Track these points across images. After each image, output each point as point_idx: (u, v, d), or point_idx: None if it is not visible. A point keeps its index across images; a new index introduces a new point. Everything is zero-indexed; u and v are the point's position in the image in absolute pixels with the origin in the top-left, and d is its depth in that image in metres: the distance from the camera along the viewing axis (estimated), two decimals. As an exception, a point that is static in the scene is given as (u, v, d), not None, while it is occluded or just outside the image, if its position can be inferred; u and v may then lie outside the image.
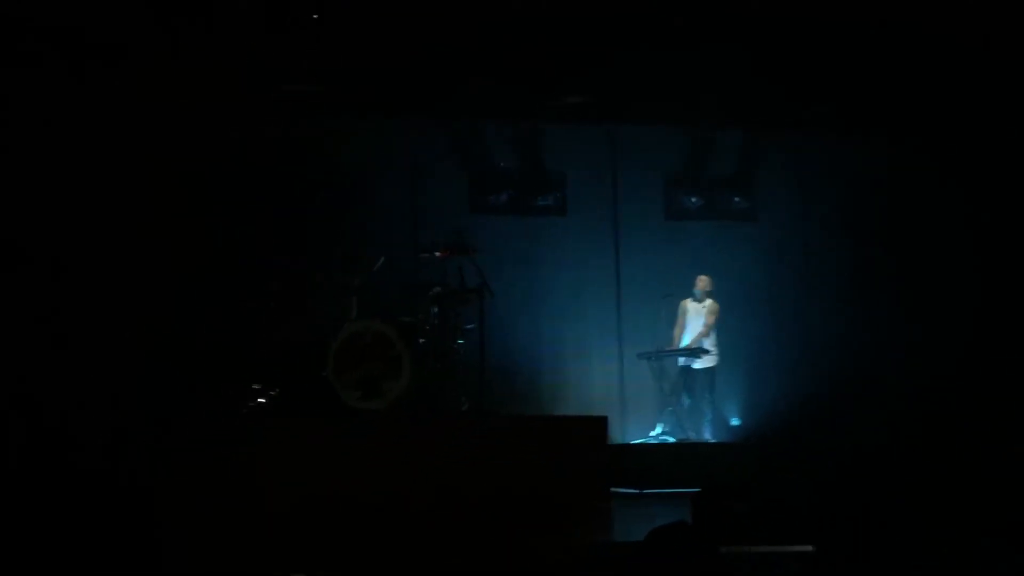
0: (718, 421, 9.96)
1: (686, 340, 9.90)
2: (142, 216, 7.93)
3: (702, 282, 9.90)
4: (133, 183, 7.97)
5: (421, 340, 7.59)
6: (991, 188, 10.54)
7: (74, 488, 5.68)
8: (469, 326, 8.03)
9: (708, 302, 9.90)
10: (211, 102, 8.47)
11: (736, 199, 10.65)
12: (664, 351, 9.88)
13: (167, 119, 8.17)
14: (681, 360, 9.87)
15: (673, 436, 9.59)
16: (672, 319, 10.02)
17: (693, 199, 10.60)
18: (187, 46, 8.06)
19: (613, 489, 7.00)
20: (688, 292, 9.99)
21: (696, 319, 9.92)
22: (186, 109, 8.27)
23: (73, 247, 7.47)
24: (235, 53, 8.34)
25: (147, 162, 8.08)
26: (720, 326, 9.96)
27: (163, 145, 8.27)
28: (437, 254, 8.12)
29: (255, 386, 7.20)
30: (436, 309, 7.87)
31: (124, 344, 7.54)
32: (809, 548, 4.21)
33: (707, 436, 9.71)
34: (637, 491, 8.24)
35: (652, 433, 9.67)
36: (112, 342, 7.55)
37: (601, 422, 6.69)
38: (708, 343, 9.82)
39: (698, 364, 9.80)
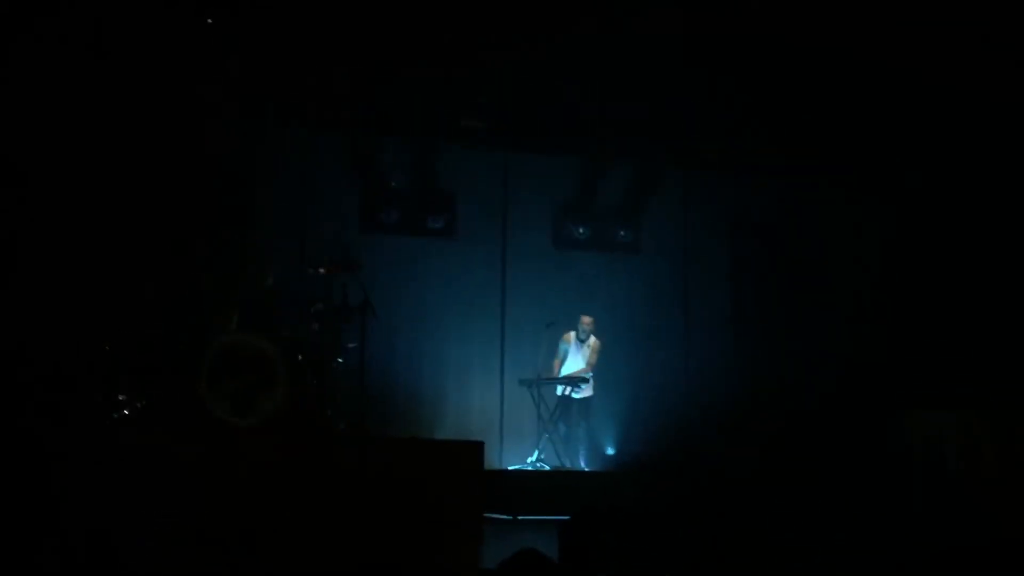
0: (593, 450, 10.06)
1: (564, 372, 9.99)
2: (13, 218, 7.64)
3: (586, 321, 9.96)
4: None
5: (299, 356, 7.45)
6: (873, 225, 10.98)
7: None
8: (351, 345, 7.92)
9: (592, 340, 9.99)
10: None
11: (621, 232, 10.86)
12: (545, 379, 9.94)
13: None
14: (559, 389, 9.94)
15: (549, 464, 9.65)
16: (553, 348, 10.11)
17: (580, 229, 10.75)
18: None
19: (487, 514, 6.99)
20: (572, 322, 10.07)
21: (576, 354, 10.00)
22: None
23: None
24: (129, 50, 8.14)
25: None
26: (600, 357, 10.09)
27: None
28: (322, 270, 7.97)
29: (121, 396, 6.93)
30: (317, 326, 7.74)
31: None
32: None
33: (582, 464, 9.80)
34: (511, 517, 8.26)
35: (528, 460, 9.71)
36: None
37: (477, 447, 6.65)
38: (587, 373, 9.93)
39: (576, 394, 9.90)
